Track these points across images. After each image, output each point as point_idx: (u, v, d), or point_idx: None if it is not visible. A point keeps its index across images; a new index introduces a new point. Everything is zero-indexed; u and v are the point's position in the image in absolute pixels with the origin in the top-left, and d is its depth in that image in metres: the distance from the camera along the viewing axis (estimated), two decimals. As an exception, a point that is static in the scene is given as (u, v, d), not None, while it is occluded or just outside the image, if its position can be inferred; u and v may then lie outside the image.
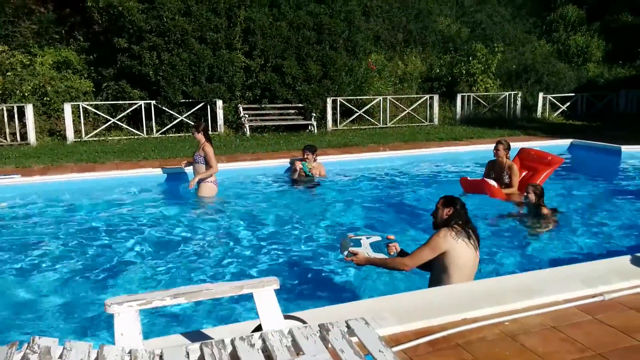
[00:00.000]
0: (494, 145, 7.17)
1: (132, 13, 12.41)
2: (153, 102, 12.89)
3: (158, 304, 2.82)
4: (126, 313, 2.75)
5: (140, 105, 12.82)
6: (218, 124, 13.50)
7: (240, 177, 8.98)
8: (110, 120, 12.73)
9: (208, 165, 7.25)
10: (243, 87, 13.96)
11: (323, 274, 4.92)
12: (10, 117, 12.01)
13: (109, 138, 12.61)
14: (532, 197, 6.05)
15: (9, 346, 2.57)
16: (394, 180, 9.13)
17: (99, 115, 12.81)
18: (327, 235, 6.06)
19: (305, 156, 8.40)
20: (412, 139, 12.76)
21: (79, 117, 12.41)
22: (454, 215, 3.78)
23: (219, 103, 13.34)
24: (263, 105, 14.13)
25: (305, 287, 4.65)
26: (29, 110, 11.78)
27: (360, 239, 4.12)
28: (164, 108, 13.03)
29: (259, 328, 2.94)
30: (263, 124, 13.89)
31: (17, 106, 11.93)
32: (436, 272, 3.82)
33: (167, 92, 12.69)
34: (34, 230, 6.24)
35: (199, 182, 7.31)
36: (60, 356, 2.54)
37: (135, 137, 12.83)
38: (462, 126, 15.23)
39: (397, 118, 15.69)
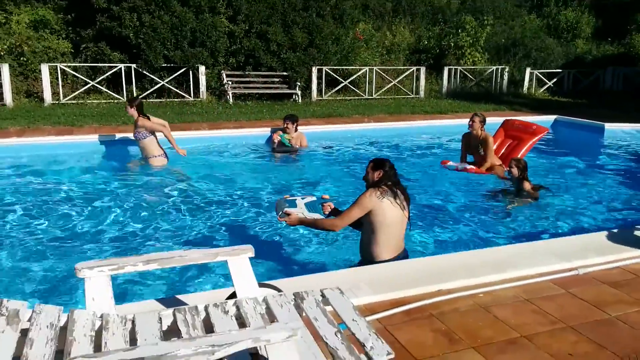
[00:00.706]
0: (470, 117, 7.12)
1: (112, -28, 12.00)
2: (134, 65, 12.58)
3: (130, 270, 2.77)
4: (97, 277, 2.70)
5: (121, 68, 12.50)
6: (200, 90, 13.26)
7: (220, 146, 8.87)
8: (89, 83, 12.41)
9: (152, 135, 7.15)
10: (226, 53, 13.67)
11: (297, 244, 4.91)
12: (-15, 77, 11.62)
13: (88, 101, 12.31)
14: (514, 171, 6.06)
15: (-25, 308, 2.51)
16: (377, 153, 9.08)
17: (77, 77, 12.48)
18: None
19: (286, 125, 8.31)
20: (398, 112, 12.68)
21: (57, 78, 12.06)
22: (383, 177, 3.84)
23: (202, 69, 13.07)
24: (247, 73, 13.88)
25: (279, 256, 4.64)
26: (5, 70, 11.38)
27: (296, 199, 4.18)
28: (144, 72, 12.72)
29: (233, 295, 2.92)
30: (246, 91, 13.68)
31: (-8, 66, 11.55)
32: (365, 230, 3.90)
33: (148, 55, 12.37)
34: (6, 193, 6.11)
35: (147, 158, 7.23)
36: (29, 319, 2.49)
37: (115, 101, 12.54)
38: (448, 100, 15.16)
39: (383, 90, 15.56)
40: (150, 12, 12.28)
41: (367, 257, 3.88)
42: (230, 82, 13.52)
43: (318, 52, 14.07)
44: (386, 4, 18.87)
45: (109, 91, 12.65)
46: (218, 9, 13.16)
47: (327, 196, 4.30)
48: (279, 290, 3.07)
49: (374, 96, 15.23)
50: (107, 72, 12.60)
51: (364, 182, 4.00)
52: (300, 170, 7.70)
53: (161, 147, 7.27)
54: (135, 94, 12.70)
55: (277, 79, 14.19)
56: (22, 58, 12.38)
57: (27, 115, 10.28)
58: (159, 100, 12.93)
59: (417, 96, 15.79)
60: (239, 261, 2.92)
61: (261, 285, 3.00)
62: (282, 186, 6.76)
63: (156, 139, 7.23)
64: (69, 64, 12.52)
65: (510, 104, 14.66)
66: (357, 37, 15.96)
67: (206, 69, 13.21)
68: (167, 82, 12.95)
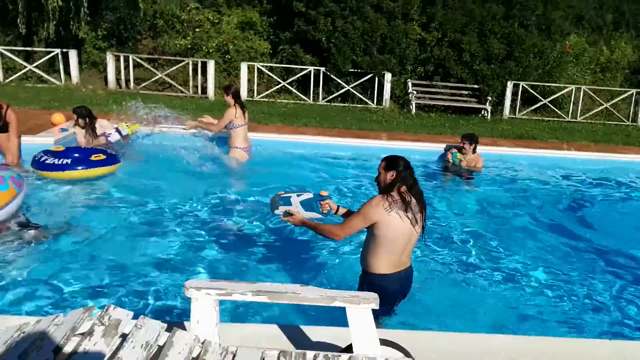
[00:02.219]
0: None
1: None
2: (323, 69, 12.83)
3: (238, 298, 2.48)
4: (204, 300, 2.45)
5: (310, 71, 12.85)
6: (384, 98, 13.00)
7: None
8: (281, 83, 12.99)
9: (243, 126, 6.83)
10: (415, 62, 13.21)
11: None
12: (195, 71, 12.90)
13: (278, 100, 12.90)
14: None
15: (84, 311, 2.43)
16: (573, 188, 7.68)
17: (272, 77, 13.15)
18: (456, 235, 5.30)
19: (462, 144, 7.52)
20: (606, 141, 10.82)
21: (254, 77, 12.86)
22: (396, 179, 3.26)
23: (388, 76, 12.79)
24: (434, 83, 13.22)
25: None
26: (211, 66, 12.52)
27: (290, 196, 3.79)
28: (332, 76, 12.90)
29: (349, 349, 2.47)
30: (431, 103, 13.02)
31: (201, 61, 12.78)
32: (367, 236, 3.40)
33: (337, 60, 12.49)
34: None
35: (229, 148, 6.92)
36: (128, 333, 2.33)
37: (302, 102, 12.95)
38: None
39: (591, 113, 13.56)
40: (343, 17, 12.39)
41: (364, 266, 3.41)
42: (415, 92, 13.01)
43: (516, 66, 12.78)
44: (605, 15, 16.49)
45: (297, 92, 13.10)
46: (411, 15, 12.77)
47: (325, 192, 3.80)
48: (407, 354, 2.52)
49: (579, 119, 13.35)
50: (298, 74, 13.07)
51: (376, 183, 3.44)
52: (465, 198, 6.85)
53: (247, 141, 6.99)
54: (321, 97, 12.96)
55: (466, 92, 13.26)
56: (227, 56, 13.50)
57: (222, 108, 11.05)
58: (343, 104, 13.00)
59: (635, 124, 13.43)
60: (360, 311, 2.44)
61: (384, 342, 2.50)
62: (441, 214, 6.04)
63: (245, 132, 6.96)
64: (266, 64, 13.26)
65: None
66: (565, 51, 14.15)
67: (392, 76, 12.90)
68: (352, 88, 12.96)
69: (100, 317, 2.37)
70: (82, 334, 2.22)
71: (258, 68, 12.91)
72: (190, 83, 12.93)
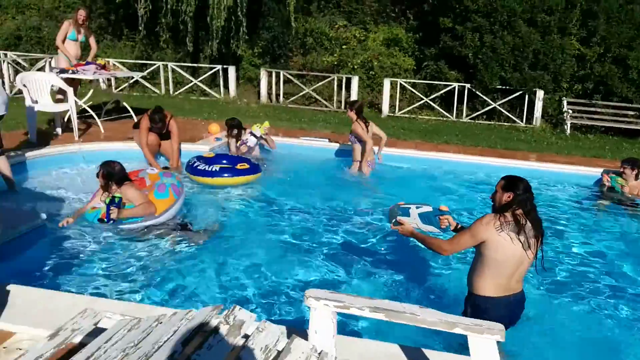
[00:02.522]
0: None
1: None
2: (468, 85, 12.42)
3: (355, 312, 2.48)
4: (322, 310, 2.50)
5: (455, 87, 12.52)
6: (535, 116, 12.18)
7: (541, 181, 7.76)
8: (423, 99, 12.84)
9: (361, 142, 6.96)
10: (572, 79, 12.18)
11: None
12: (339, 87, 13.31)
13: (419, 117, 12.76)
14: None
15: (213, 308, 2.61)
16: None
17: (414, 93, 13.06)
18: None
19: (623, 170, 6.74)
20: None
21: (396, 92, 12.89)
22: (513, 202, 3.07)
23: (540, 94, 11.96)
24: (594, 102, 12.05)
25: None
26: (355, 82, 12.83)
27: (410, 207, 3.85)
28: (477, 92, 12.42)
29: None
30: (590, 123, 11.89)
31: (345, 77, 13.14)
32: (475, 255, 3.22)
33: (484, 76, 12.00)
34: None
35: (353, 160, 7.24)
36: (250, 335, 2.46)
37: (444, 119, 12.65)
38: None
39: None
40: (493, 32, 11.88)
41: (470, 287, 3.25)
42: (570, 111, 11.99)
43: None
44: None
45: (440, 108, 12.84)
46: (569, 29, 11.81)
47: (445, 207, 3.84)
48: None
49: None
50: (441, 90, 12.82)
51: (491, 201, 3.25)
52: (627, 228, 6.09)
53: (370, 155, 7.09)
54: (465, 114, 12.56)
55: (632, 112, 11.89)
56: (371, 72, 13.71)
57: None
58: (488, 122, 12.45)
59: None
60: (483, 342, 2.29)
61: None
62: (592, 247, 5.44)
63: (370, 146, 7.03)
64: (409, 80, 13.21)
65: None
66: None
67: (545, 94, 12.04)
68: (499, 105, 12.35)
69: (226, 317, 2.53)
70: (209, 330, 2.38)
71: (401, 84, 12.91)
72: (335, 98, 13.35)
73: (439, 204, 3.74)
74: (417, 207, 3.81)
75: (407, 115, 12.75)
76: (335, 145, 8.70)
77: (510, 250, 2.99)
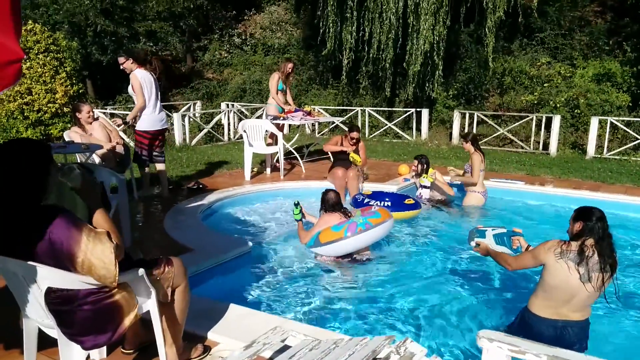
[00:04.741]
0: None
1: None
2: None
3: (530, 359, 2.43)
4: (494, 352, 2.52)
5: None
6: None
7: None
8: (638, 139, 11.43)
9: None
10: None
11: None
12: (538, 127, 12.61)
13: (632, 158, 11.37)
14: None
15: (386, 338, 2.82)
16: None
17: (627, 132, 11.72)
18: None
19: None
20: None
21: (605, 132, 11.73)
22: (582, 232, 3.16)
23: None
24: None
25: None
26: (556, 121, 12.01)
27: (486, 230, 4.22)
28: None
29: None
30: None
31: (545, 116, 12.41)
32: (539, 279, 3.35)
33: None
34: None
35: (467, 191, 7.54)
36: (417, 369, 2.59)
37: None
38: None
39: None
40: None
41: (528, 300, 3.43)
42: None
43: None
44: None
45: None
46: None
47: (518, 229, 4.13)
48: None
49: None
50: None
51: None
52: None
53: (483, 186, 7.48)
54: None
55: None
56: (576, 110, 12.71)
57: (563, 165, 10.49)
58: None
59: None
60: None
61: None
62: None
63: (483, 176, 7.45)
64: (621, 118, 11.93)
65: None
66: None
67: None
68: None
69: (397, 347, 2.71)
70: (381, 358, 2.58)
71: (611, 122, 11.71)
72: (532, 139, 12.68)
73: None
74: (492, 229, 4.21)
75: (617, 157, 11.47)
76: (531, 187, 8.32)
77: (565, 278, 3.11)
